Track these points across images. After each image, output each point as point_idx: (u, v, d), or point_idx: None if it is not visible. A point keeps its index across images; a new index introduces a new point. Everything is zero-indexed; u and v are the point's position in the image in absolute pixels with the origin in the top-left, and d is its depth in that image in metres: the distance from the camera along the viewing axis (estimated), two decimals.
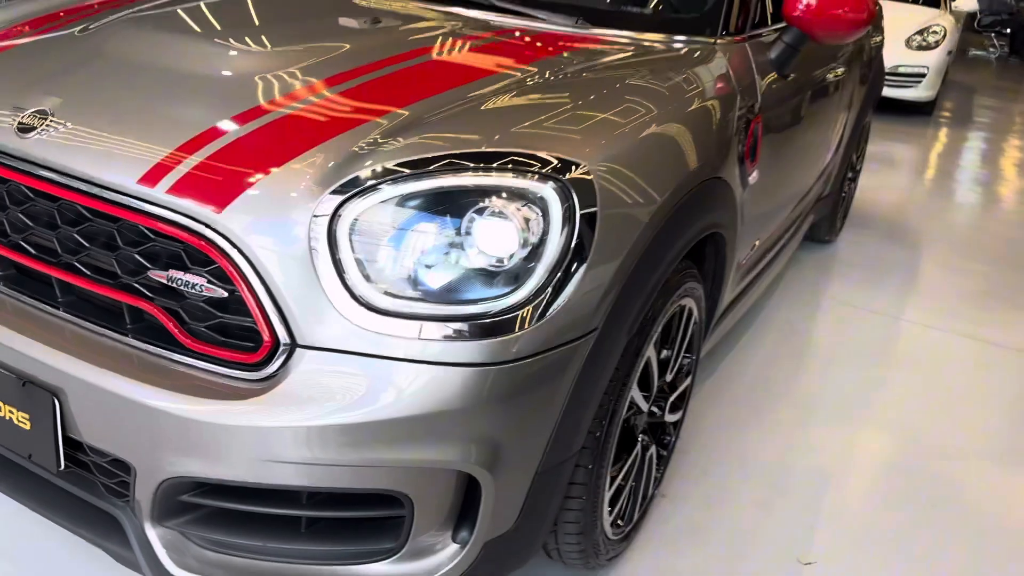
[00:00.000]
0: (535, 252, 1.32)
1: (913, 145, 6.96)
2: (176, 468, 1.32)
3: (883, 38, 4.08)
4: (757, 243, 2.47)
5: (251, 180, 1.32)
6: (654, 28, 2.08)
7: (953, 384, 2.97)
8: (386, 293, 1.29)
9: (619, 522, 1.85)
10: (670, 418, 2.00)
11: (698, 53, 1.97)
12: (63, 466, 1.42)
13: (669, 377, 1.89)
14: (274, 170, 1.33)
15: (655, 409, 1.91)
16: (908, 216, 4.95)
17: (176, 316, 1.35)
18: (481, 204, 1.31)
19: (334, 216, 1.28)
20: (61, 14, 1.90)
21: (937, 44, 7.49)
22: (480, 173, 1.34)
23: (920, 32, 7.56)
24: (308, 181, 1.31)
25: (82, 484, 1.46)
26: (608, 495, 1.69)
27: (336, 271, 1.28)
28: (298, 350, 1.29)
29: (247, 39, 1.80)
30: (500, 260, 1.31)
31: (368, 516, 1.38)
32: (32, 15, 1.89)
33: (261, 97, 1.48)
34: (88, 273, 1.41)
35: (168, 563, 1.40)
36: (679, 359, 1.91)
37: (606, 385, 1.51)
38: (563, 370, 1.38)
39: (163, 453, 1.32)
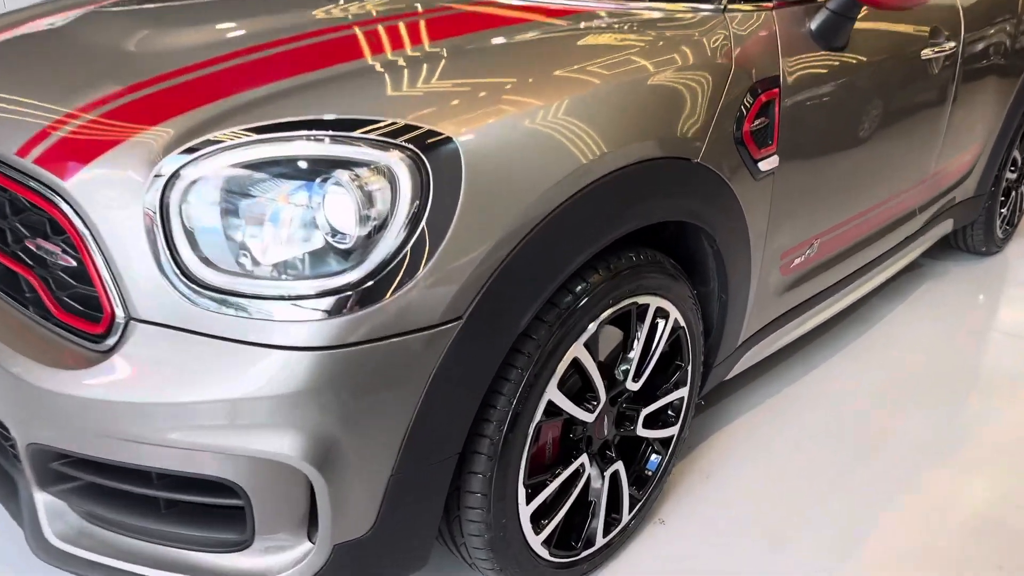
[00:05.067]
0: (381, 228, 1.21)
1: None
2: (35, 434, 1.33)
3: None
4: (816, 242, 2.14)
5: (103, 149, 1.30)
6: None
7: None
8: (215, 268, 1.22)
9: (573, 543, 1.67)
10: (649, 433, 1.77)
11: (691, 20, 1.73)
12: None
13: (635, 385, 1.67)
14: (128, 139, 1.30)
15: (627, 422, 1.71)
16: None
17: (47, 285, 1.36)
18: (323, 175, 1.22)
19: (171, 181, 1.23)
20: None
21: None
22: (324, 141, 1.24)
23: None
24: (156, 147, 1.27)
25: None
26: (529, 509, 1.52)
27: (167, 242, 1.23)
28: (131, 323, 1.25)
29: (158, 22, 1.83)
30: (341, 235, 1.21)
31: (212, 504, 1.31)
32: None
33: (148, 72, 1.47)
34: None
35: (46, 528, 1.41)
36: (647, 365, 1.68)
37: (489, 383, 1.35)
38: (413, 361, 1.24)
39: (25, 417, 1.33)
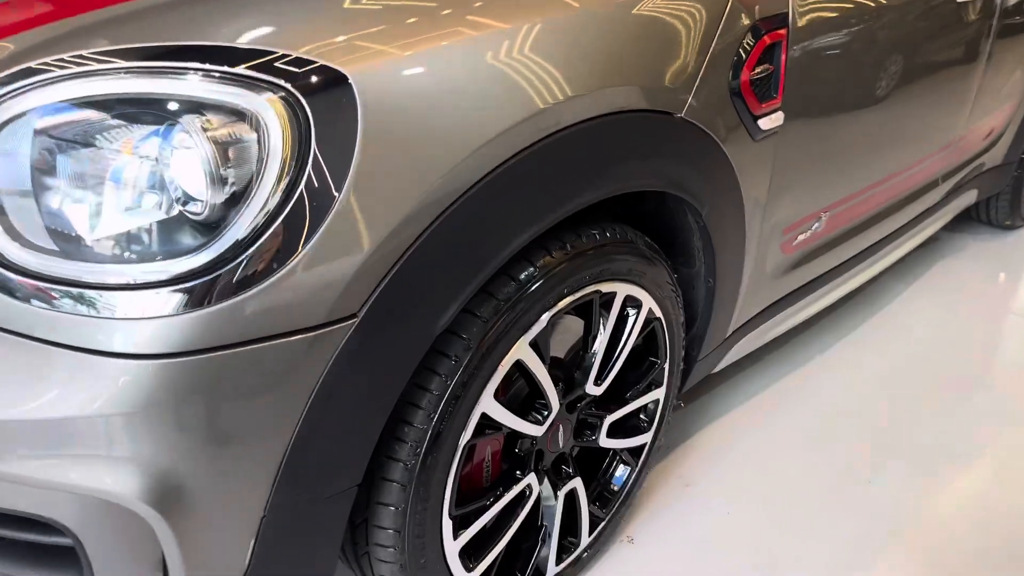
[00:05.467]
0: (244, 193, 0.90)
1: None
2: None
3: None
4: (824, 215, 1.83)
5: None
6: None
7: None
8: (26, 244, 0.91)
9: (518, 574, 1.39)
10: (615, 444, 1.48)
11: None
12: None
13: (597, 390, 1.37)
14: None
15: (588, 431, 1.42)
16: None
17: None
18: (171, 121, 0.90)
19: None
20: None
21: None
22: (171, 77, 0.92)
23: None
24: None
25: None
26: (457, 545, 1.23)
27: None
28: None
29: None
30: (194, 201, 0.90)
31: (36, 542, 1.02)
32: None
33: None
34: None
35: None
36: (613, 366, 1.38)
37: (398, 396, 1.05)
38: (288, 373, 0.94)
39: None
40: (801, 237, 1.79)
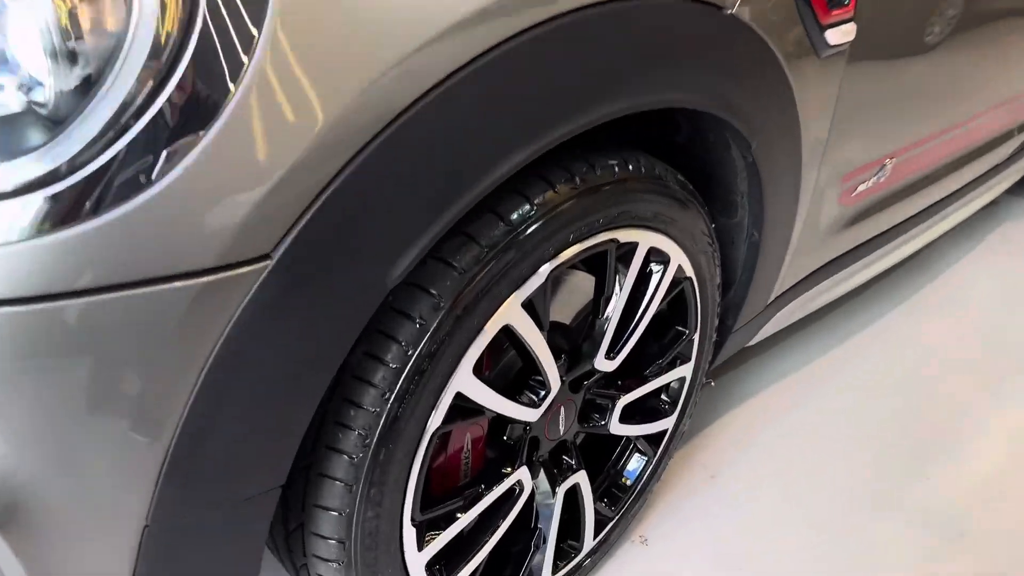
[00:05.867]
0: (102, 76, 0.62)
1: None
2: None
3: None
4: (889, 163, 1.53)
5: None
6: None
7: None
8: None
9: None
10: (629, 430, 1.20)
11: None
12: None
13: (609, 364, 1.09)
14: None
15: (596, 414, 1.15)
16: None
17: None
18: None
19: None
20: None
21: None
22: None
23: None
24: None
25: None
26: (423, 557, 0.97)
27: None
28: None
29: None
30: (38, 87, 0.62)
31: None
32: None
33: None
34: None
35: None
36: (631, 335, 1.10)
37: (337, 368, 0.77)
38: (170, 333, 0.66)
39: None
40: (862, 187, 1.49)
